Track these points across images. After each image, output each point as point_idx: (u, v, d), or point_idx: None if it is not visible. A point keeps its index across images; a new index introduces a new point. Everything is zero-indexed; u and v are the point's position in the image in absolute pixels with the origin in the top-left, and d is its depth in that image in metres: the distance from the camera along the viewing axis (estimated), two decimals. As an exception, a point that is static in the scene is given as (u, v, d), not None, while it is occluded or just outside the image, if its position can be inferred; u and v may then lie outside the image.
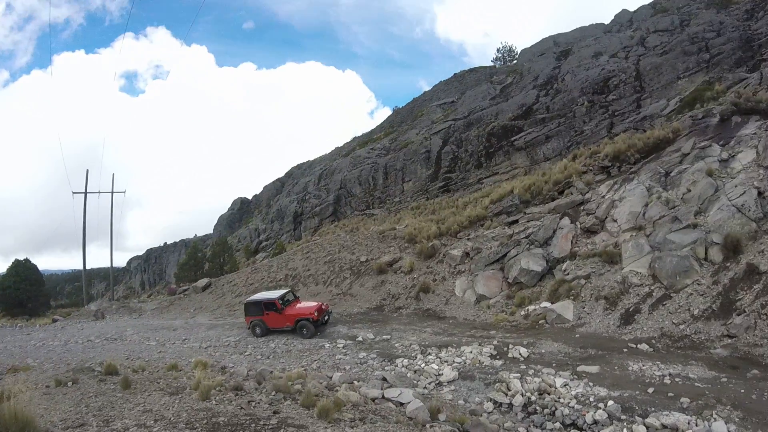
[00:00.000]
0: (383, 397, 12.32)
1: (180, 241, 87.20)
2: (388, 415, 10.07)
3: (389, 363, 15.78)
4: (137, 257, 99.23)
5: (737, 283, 15.10)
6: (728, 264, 16.10)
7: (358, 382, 13.94)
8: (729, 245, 16.39)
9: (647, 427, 9.74)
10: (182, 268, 45.98)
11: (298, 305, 21.59)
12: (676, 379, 11.94)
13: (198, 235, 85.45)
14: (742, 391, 10.89)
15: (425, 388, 13.57)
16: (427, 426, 9.14)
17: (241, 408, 9.13)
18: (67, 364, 17.35)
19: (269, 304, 21.02)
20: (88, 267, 46.91)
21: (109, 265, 52.24)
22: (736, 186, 18.51)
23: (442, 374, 14.26)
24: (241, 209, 79.76)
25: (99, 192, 44.94)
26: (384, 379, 13.95)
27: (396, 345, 17.64)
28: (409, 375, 14.48)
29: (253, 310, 21.54)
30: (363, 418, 9.14)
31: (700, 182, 19.76)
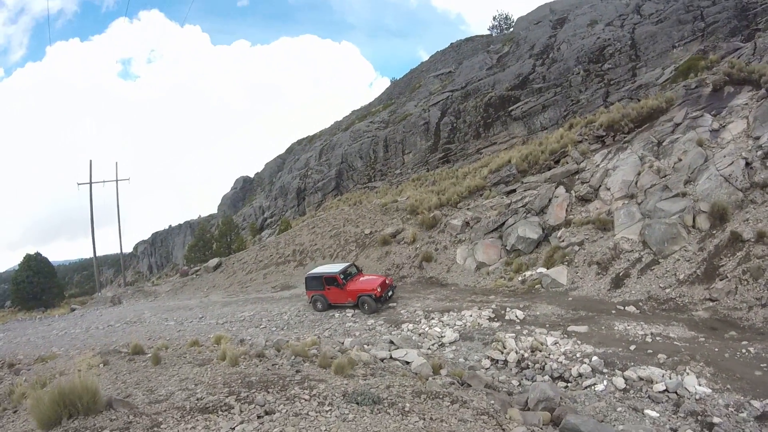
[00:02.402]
0: (391, 357, 13.45)
1: (185, 222, 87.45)
2: (396, 371, 11.18)
3: (396, 328, 16.86)
4: (143, 241, 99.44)
5: (721, 250, 15.70)
6: (714, 232, 16.70)
7: (368, 345, 15.04)
8: (715, 214, 16.94)
9: (625, 379, 10.75)
10: (191, 249, 47.03)
11: (361, 279, 20.83)
12: (657, 338, 12.88)
13: (202, 216, 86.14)
14: (716, 350, 11.73)
15: (429, 349, 14.65)
16: (430, 378, 10.27)
17: (268, 369, 10.15)
18: (91, 349, 17.64)
19: (330, 279, 20.27)
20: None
21: (118, 252, 52.75)
22: (724, 156, 18.98)
23: (444, 336, 15.30)
24: (244, 188, 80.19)
25: (104, 181, 45.33)
26: (391, 342, 15.06)
27: (401, 311, 18.69)
28: (414, 338, 15.54)
29: (313, 284, 20.85)
30: (373, 374, 10.27)
31: (690, 152, 20.29)
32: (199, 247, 45.71)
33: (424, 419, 7.29)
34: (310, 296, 21.04)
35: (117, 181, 45.77)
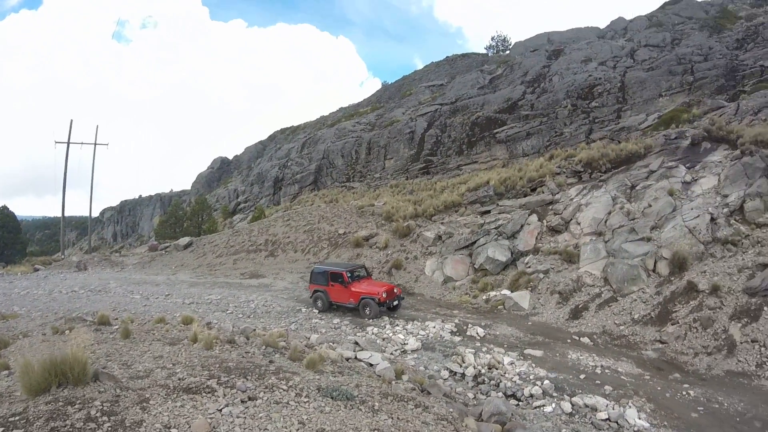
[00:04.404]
0: (356, 357, 13.79)
1: (155, 195, 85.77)
2: (361, 371, 11.59)
3: (361, 330, 17.30)
4: (110, 208, 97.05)
5: (676, 296, 16.49)
6: (672, 278, 17.51)
7: (333, 343, 15.30)
8: (676, 262, 17.72)
9: (572, 405, 11.44)
10: (162, 225, 46.65)
11: (368, 283, 20.04)
12: (606, 371, 13.64)
13: (174, 191, 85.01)
14: (659, 388, 12.50)
15: (392, 354, 15.04)
16: (393, 382, 10.75)
17: (243, 357, 10.32)
18: (54, 313, 17.55)
19: (336, 275, 19.46)
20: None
21: (84, 214, 52.52)
22: (692, 209, 19.88)
23: (407, 344, 15.78)
24: (221, 169, 79.22)
25: (82, 143, 45.07)
26: (356, 343, 15.44)
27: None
28: (378, 342, 15.92)
29: (318, 278, 20.03)
30: (341, 372, 10.68)
31: (661, 199, 21.22)
32: (170, 223, 45.30)
33: (392, 418, 7.73)
34: (312, 291, 20.40)
35: (95, 144, 45.39)
